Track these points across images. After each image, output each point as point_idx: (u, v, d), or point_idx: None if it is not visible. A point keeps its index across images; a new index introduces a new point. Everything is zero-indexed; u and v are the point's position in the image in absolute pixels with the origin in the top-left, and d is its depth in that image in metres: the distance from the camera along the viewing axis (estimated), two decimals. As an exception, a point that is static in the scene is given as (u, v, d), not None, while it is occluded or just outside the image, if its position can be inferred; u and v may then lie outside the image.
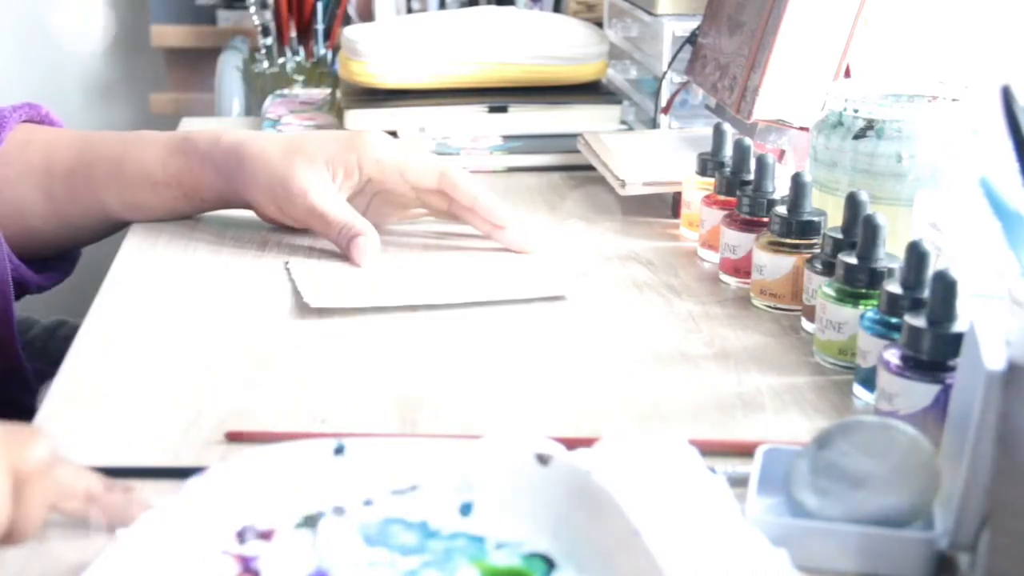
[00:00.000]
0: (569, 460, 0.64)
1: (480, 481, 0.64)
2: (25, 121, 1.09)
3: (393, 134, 1.34)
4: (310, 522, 0.63)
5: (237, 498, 0.62)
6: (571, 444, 0.68)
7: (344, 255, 1.02)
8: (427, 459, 0.65)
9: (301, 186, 1.02)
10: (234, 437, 0.75)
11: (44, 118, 1.11)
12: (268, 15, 1.69)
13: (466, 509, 0.63)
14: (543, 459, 0.63)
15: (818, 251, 0.89)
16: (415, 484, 0.64)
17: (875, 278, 0.82)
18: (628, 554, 0.58)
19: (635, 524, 0.58)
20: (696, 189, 1.07)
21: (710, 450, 0.73)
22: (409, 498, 0.64)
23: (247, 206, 1.06)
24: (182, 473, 0.68)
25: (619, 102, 1.37)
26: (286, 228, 1.07)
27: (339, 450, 0.64)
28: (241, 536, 0.62)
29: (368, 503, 0.64)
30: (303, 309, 0.93)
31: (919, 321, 0.72)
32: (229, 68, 1.74)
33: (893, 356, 0.73)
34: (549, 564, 0.60)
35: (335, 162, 1.03)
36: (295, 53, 1.62)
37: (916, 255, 0.76)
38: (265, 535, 0.62)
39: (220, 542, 0.61)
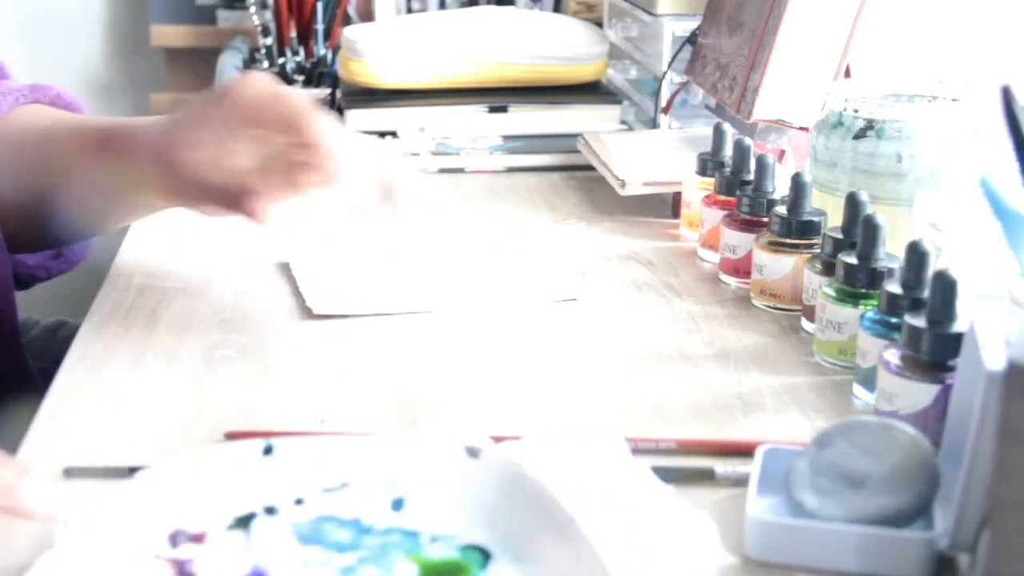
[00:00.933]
0: (499, 452, 0.64)
1: (410, 476, 0.64)
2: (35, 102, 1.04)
3: (393, 134, 1.34)
4: (242, 523, 0.63)
5: (168, 502, 0.62)
6: (497, 440, 0.68)
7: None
8: (356, 456, 0.65)
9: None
10: (234, 437, 0.75)
11: (55, 100, 1.06)
12: (268, 15, 1.68)
13: (398, 504, 0.64)
14: (472, 452, 0.64)
15: (818, 251, 0.89)
16: (345, 482, 0.64)
17: (875, 278, 0.82)
18: (565, 540, 0.58)
19: (569, 511, 0.59)
20: (696, 189, 1.07)
21: (710, 450, 0.73)
22: (340, 495, 0.64)
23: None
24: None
25: (619, 102, 1.37)
26: (286, 228, 1.05)
27: (268, 450, 0.64)
28: (173, 540, 0.61)
29: (300, 502, 0.64)
30: (303, 309, 0.93)
31: (919, 321, 0.72)
32: (229, 68, 1.74)
33: (893, 356, 0.73)
34: (485, 555, 0.61)
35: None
36: (295, 53, 1.62)
37: (916, 255, 0.76)
38: (197, 538, 0.62)
39: (153, 546, 0.61)
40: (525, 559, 0.60)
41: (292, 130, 0.89)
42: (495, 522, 0.62)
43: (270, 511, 0.63)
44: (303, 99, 0.90)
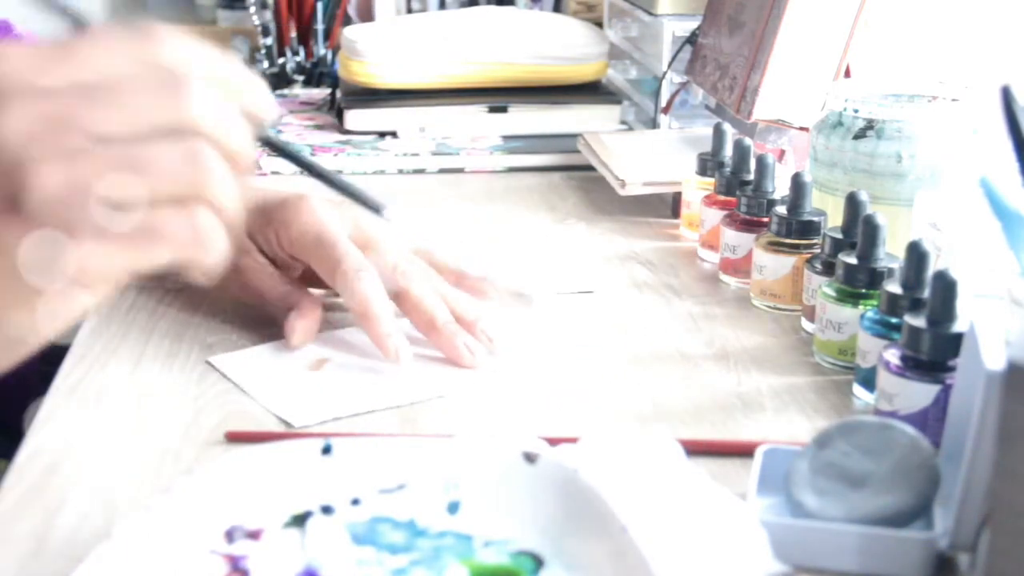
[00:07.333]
0: (556, 458, 0.64)
1: (467, 479, 0.64)
2: None
3: (393, 134, 1.34)
4: (298, 521, 0.63)
5: (225, 498, 0.62)
6: (553, 442, 0.68)
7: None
8: (414, 458, 0.65)
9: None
10: (234, 437, 0.75)
11: None
12: (268, 15, 1.68)
13: (453, 508, 0.63)
14: (530, 457, 0.63)
15: (818, 251, 0.89)
16: (402, 483, 0.64)
17: (875, 278, 0.82)
18: (616, 550, 0.58)
19: (623, 520, 0.59)
20: (696, 189, 1.07)
21: (710, 450, 0.73)
22: (397, 497, 0.64)
23: None
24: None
25: (619, 102, 1.37)
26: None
27: (326, 450, 0.64)
28: (230, 536, 0.61)
29: (356, 502, 0.64)
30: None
31: (919, 321, 0.72)
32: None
33: (893, 356, 0.73)
34: (537, 562, 0.60)
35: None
36: (295, 53, 1.62)
37: (916, 255, 0.76)
38: (253, 535, 0.62)
39: (209, 542, 0.61)
40: (576, 567, 0.60)
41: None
42: (548, 529, 0.62)
43: (326, 510, 0.63)
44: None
